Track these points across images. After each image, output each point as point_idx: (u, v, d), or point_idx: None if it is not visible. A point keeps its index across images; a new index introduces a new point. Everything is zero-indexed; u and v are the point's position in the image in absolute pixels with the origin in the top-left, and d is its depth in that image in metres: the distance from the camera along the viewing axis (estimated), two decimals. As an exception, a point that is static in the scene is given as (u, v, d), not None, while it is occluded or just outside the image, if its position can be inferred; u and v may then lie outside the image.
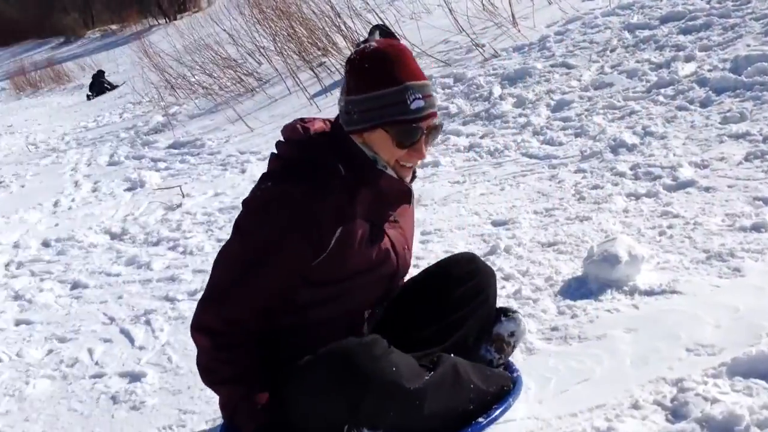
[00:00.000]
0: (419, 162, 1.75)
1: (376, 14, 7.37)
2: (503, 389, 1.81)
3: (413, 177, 1.81)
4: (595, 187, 3.24)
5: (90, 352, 2.84)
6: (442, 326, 1.87)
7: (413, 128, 1.63)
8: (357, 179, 1.66)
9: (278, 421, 1.61)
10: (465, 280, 1.92)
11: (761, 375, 1.71)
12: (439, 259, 2.11)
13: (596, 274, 2.39)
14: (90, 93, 13.81)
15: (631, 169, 3.30)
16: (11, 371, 2.78)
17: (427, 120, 1.64)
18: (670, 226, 2.68)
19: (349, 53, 6.78)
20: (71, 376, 2.66)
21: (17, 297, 3.62)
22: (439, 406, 1.65)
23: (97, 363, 2.74)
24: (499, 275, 2.64)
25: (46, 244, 4.47)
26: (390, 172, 1.70)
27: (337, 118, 1.72)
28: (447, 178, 3.89)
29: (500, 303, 2.40)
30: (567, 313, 2.26)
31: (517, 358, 2.06)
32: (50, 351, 2.92)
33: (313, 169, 1.64)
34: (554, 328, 2.18)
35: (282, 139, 1.74)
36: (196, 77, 9.64)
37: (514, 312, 1.98)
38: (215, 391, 1.72)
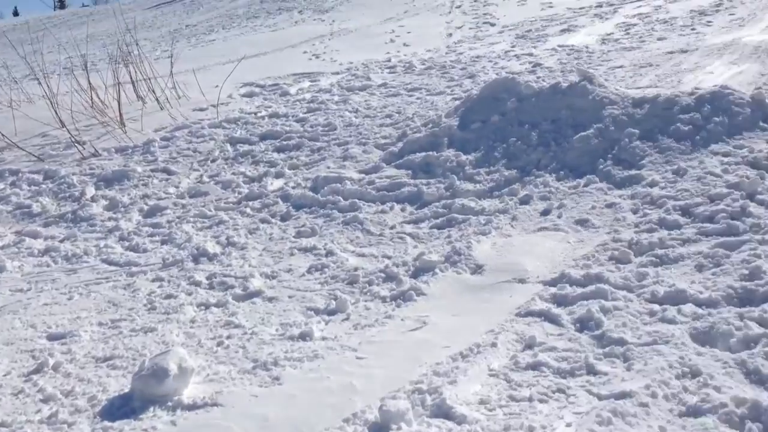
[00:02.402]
0: None
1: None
2: None
3: None
4: (169, 296, 3.15)
5: None
6: None
7: None
8: None
9: None
10: None
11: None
12: None
13: (142, 389, 2.26)
14: None
15: (207, 278, 3.30)
16: None
17: None
18: (229, 336, 2.70)
19: None
20: None
21: None
22: None
23: None
24: (38, 398, 2.35)
25: None
26: None
27: None
28: (9, 286, 3.43)
29: (32, 430, 2.14)
30: (101, 437, 2.07)
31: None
32: None
33: None
34: (83, 456, 1.97)
35: None
36: None
37: None
38: None
